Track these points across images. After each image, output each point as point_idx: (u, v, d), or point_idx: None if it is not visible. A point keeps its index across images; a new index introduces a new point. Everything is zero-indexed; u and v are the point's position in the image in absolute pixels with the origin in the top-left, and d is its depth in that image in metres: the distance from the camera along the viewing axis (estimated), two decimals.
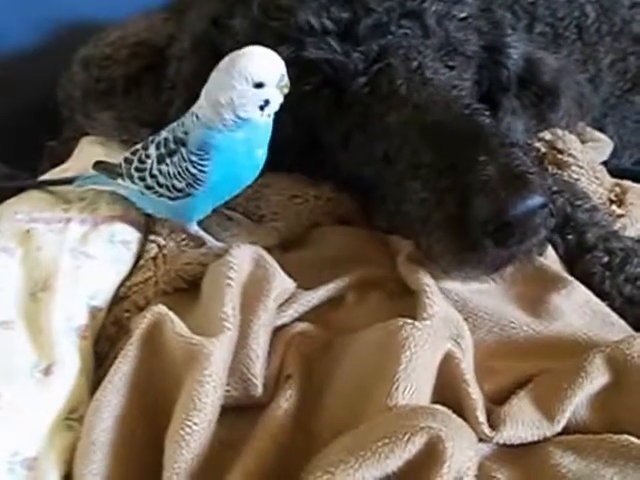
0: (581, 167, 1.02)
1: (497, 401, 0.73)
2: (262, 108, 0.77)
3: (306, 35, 0.87)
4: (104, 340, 0.80)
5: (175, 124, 0.81)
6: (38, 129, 1.11)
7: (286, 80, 0.77)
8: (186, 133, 0.79)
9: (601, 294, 0.87)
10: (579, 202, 0.94)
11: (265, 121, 0.78)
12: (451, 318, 0.76)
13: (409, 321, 0.71)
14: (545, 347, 0.78)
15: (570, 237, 0.91)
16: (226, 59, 0.77)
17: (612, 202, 1.02)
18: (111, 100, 1.05)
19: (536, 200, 0.75)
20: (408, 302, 0.78)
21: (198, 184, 0.79)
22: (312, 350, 0.76)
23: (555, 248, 0.90)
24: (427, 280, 0.78)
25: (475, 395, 0.70)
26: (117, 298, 0.83)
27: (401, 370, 0.68)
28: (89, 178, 0.89)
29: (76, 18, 1.31)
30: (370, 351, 0.72)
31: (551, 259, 0.88)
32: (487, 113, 0.84)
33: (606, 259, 0.90)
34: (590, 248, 0.91)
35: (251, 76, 0.75)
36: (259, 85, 0.76)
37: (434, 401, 0.70)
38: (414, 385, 0.68)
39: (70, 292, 0.78)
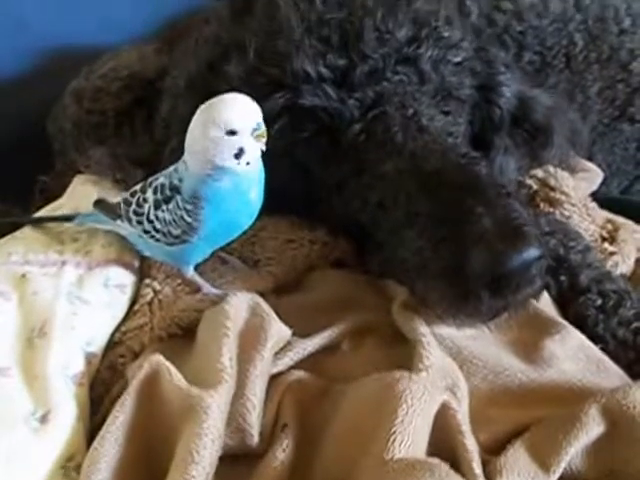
0: (573, 205, 1.03)
1: (493, 451, 0.74)
2: (237, 156, 0.76)
3: (302, 82, 0.87)
4: (99, 385, 0.81)
5: (172, 169, 0.82)
6: (28, 162, 1.11)
7: (262, 129, 0.77)
8: (180, 180, 0.80)
9: (594, 337, 0.88)
10: (572, 243, 0.95)
11: (245, 170, 0.77)
12: (447, 368, 0.77)
13: (406, 374, 0.72)
14: (540, 395, 0.79)
15: (563, 279, 0.93)
16: (202, 106, 0.77)
17: (604, 239, 1.03)
18: (103, 133, 1.06)
19: (532, 252, 0.76)
20: (404, 349, 0.80)
21: (194, 232, 0.80)
22: (308, 398, 0.77)
23: (548, 290, 0.91)
24: (423, 329, 0.79)
25: (471, 447, 0.71)
26: (112, 343, 0.84)
27: (398, 423, 0.69)
28: (89, 216, 0.89)
29: (65, 47, 1.31)
30: (367, 403, 0.73)
31: (544, 302, 0.89)
32: (483, 163, 0.85)
33: (599, 302, 0.91)
34: (583, 290, 0.92)
35: (223, 123, 0.75)
36: (232, 132, 0.75)
37: (430, 452, 0.71)
38: (411, 438, 0.69)
39: (66, 339, 0.79)
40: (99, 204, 0.89)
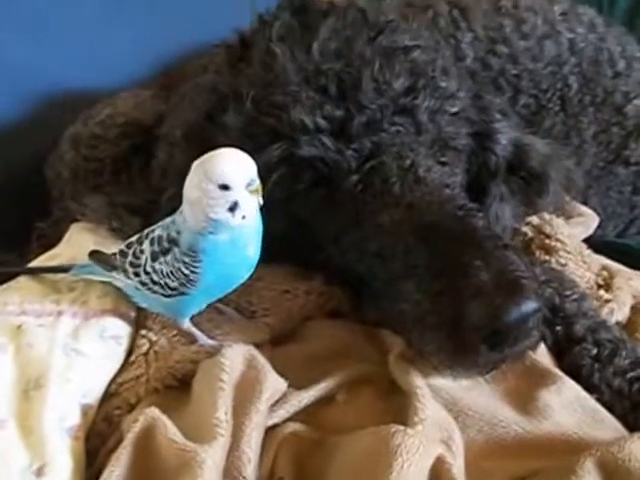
0: (569, 252, 1.04)
1: None
2: (232, 210, 0.77)
3: (299, 133, 0.88)
4: (94, 436, 0.81)
5: (169, 220, 0.83)
6: (26, 209, 1.12)
7: (257, 184, 0.78)
8: (178, 233, 0.81)
9: (590, 387, 0.88)
10: (567, 292, 0.96)
11: (242, 224, 0.78)
12: (442, 421, 0.78)
13: (401, 428, 0.73)
14: (536, 447, 0.79)
15: (558, 328, 0.93)
16: (197, 161, 0.78)
17: (600, 287, 1.04)
18: (100, 180, 1.07)
19: (530, 306, 0.77)
20: (399, 400, 0.80)
21: (191, 284, 0.81)
22: (304, 451, 0.78)
23: (544, 340, 0.91)
24: (418, 382, 0.80)
25: None
26: (108, 394, 0.84)
27: (393, 478, 0.70)
28: (85, 267, 0.90)
29: (64, 91, 1.33)
30: (362, 456, 0.73)
31: (540, 351, 0.90)
32: (480, 215, 0.86)
33: (595, 351, 0.91)
34: (579, 340, 0.93)
35: (216, 178, 0.76)
36: (225, 187, 0.76)
37: None
38: None
39: (62, 391, 0.80)
40: (94, 255, 0.89)
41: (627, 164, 1.38)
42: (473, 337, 0.78)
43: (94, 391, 0.83)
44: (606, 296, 1.02)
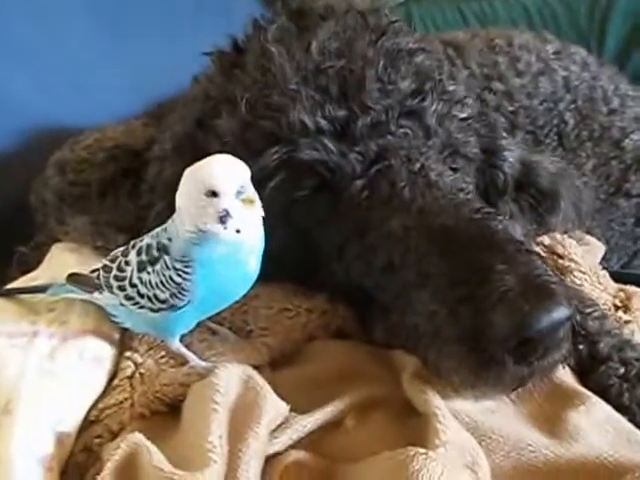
0: (584, 272, 0.92)
1: None
2: (222, 221, 0.66)
3: (299, 135, 0.77)
4: (72, 469, 0.68)
5: (159, 229, 0.71)
6: (10, 244, 1.00)
7: (250, 193, 0.67)
8: (170, 240, 0.69)
9: (619, 408, 0.76)
10: (588, 310, 0.84)
11: (236, 237, 0.67)
12: (465, 444, 0.65)
13: (422, 450, 0.60)
14: (569, 472, 0.67)
15: (582, 347, 0.81)
16: (188, 169, 0.68)
17: (617, 308, 0.92)
18: (86, 203, 0.95)
19: (561, 312, 0.65)
20: (415, 425, 0.68)
21: (183, 294, 0.69)
22: None
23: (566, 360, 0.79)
24: (437, 402, 0.67)
25: None
26: (87, 422, 0.71)
27: None
28: (63, 286, 0.78)
29: (51, 128, 1.22)
30: None
31: (563, 372, 0.77)
32: (499, 218, 0.74)
33: (622, 370, 0.79)
34: (604, 359, 0.80)
35: (203, 184, 0.65)
36: (213, 194, 0.65)
37: None
38: None
39: (34, 417, 0.67)
40: (73, 278, 0.77)
41: (628, 196, 1.30)
42: (498, 349, 0.66)
43: (72, 418, 0.69)
44: (625, 317, 0.90)
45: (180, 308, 0.70)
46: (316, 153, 0.76)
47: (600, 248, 1.09)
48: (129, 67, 1.37)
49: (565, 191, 0.97)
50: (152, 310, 0.71)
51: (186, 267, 0.68)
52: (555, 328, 0.66)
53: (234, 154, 0.71)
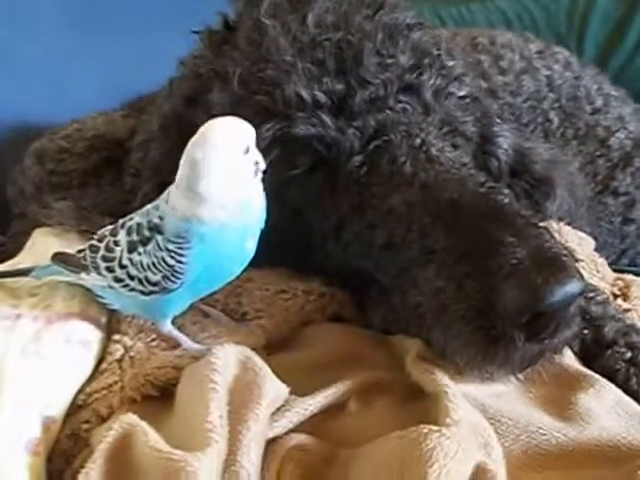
0: (581, 260, 0.89)
1: None
2: (256, 174, 0.65)
3: (295, 109, 0.73)
4: (59, 456, 0.64)
5: (150, 206, 0.67)
6: None
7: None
8: (161, 218, 0.65)
9: (626, 392, 0.72)
10: (591, 294, 0.81)
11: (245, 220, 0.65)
12: (478, 424, 0.61)
13: (435, 428, 0.56)
14: (583, 454, 0.63)
15: (586, 332, 0.78)
16: (198, 134, 0.64)
17: (616, 296, 0.89)
18: (67, 192, 0.90)
19: (575, 286, 0.63)
20: (422, 409, 0.64)
21: (176, 277, 0.65)
22: (312, 466, 0.61)
23: (570, 345, 0.75)
24: (445, 381, 0.64)
25: None
26: (75, 407, 0.67)
27: None
28: (47, 268, 0.73)
29: (28, 127, 1.18)
30: (388, 465, 0.57)
31: (568, 357, 0.74)
32: (505, 191, 0.71)
33: (629, 355, 0.76)
34: (610, 343, 0.77)
35: (239, 141, 0.63)
36: (247, 150, 0.64)
37: None
38: None
39: (19, 400, 0.62)
40: (58, 257, 0.73)
41: (616, 194, 1.27)
42: (509, 325, 0.62)
43: (58, 402, 0.65)
44: (625, 305, 0.87)
45: (172, 291, 0.66)
46: (312, 128, 0.73)
47: (591, 243, 1.07)
48: (101, 65, 1.34)
49: (560, 178, 0.94)
50: (143, 293, 0.67)
51: (180, 248, 0.64)
52: (568, 302, 0.63)
53: None
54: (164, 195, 0.67)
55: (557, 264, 0.63)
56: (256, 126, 0.72)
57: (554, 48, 1.42)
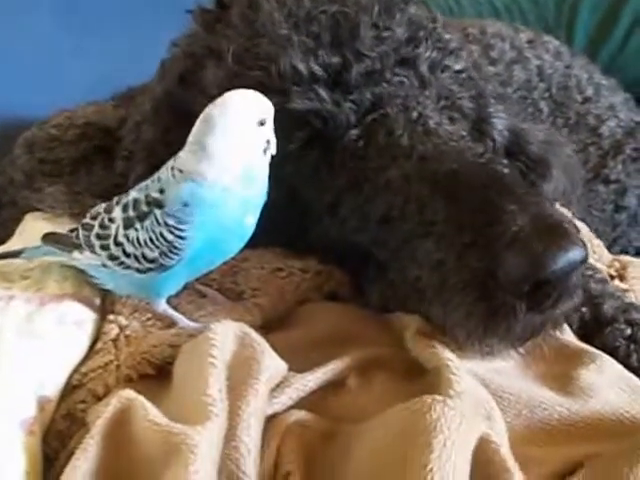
0: None
1: None
2: (265, 152, 0.64)
3: (291, 83, 0.73)
4: (54, 437, 0.63)
5: (148, 181, 0.66)
6: None
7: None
8: (162, 192, 0.64)
9: (627, 369, 0.72)
10: (590, 272, 0.80)
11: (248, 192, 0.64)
12: (480, 397, 0.60)
13: (439, 398, 0.55)
14: (586, 428, 0.63)
15: (585, 310, 0.77)
16: (218, 100, 0.64)
17: (612, 277, 0.88)
18: (58, 179, 0.89)
19: (577, 253, 0.62)
20: (424, 384, 0.63)
21: (174, 253, 0.64)
22: (313, 442, 0.60)
23: (569, 323, 0.75)
24: (447, 354, 0.63)
25: None
26: (70, 387, 0.65)
27: (434, 458, 0.52)
28: (38, 249, 0.72)
29: (11, 119, 1.18)
30: (391, 437, 0.55)
31: (567, 334, 0.73)
32: (505, 162, 0.70)
33: (629, 331, 0.76)
34: (609, 321, 0.77)
35: (255, 112, 0.63)
36: (261, 123, 0.63)
37: None
38: (451, 476, 0.52)
39: (13, 378, 0.61)
40: (49, 237, 0.72)
41: (607, 182, 1.27)
42: (510, 294, 0.62)
43: (53, 382, 0.64)
44: (622, 286, 0.86)
45: (169, 268, 0.65)
46: (308, 102, 0.72)
47: (584, 226, 1.07)
48: (92, 60, 1.34)
49: (555, 159, 0.94)
50: (139, 271, 0.66)
51: (180, 222, 0.63)
52: (571, 269, 0.62)
53: None
54: (169, 163, 0.66)
55: (559, 231, 0.62)
56: None
57: (544, 37, 1.42)
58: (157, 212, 0.64)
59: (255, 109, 0.63)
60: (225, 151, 0.63)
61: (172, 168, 0.64)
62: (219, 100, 0.63)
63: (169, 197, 0.63)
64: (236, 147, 0.63)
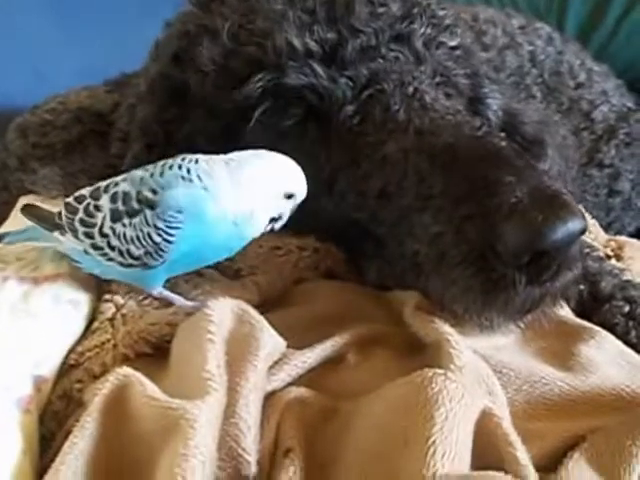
0: None
1: (544, 468, 0.56)
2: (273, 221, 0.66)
3: (286, 59, 0.72)
4: (50, 417, 0.62)
5: (139, 174, 0.64)
6: None
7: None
8: (155, 192, 0.62)
9: (626, 346, 0.71)
10: (587, 249, 0.80)
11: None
12: (481, 371, 0.59)
13: (440, 371, 0.55)
14: (587, 403, 0.62)
15: (582, 287, 0.76)
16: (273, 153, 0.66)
17: (609, 257, 0.88)
18: (51, 162, 0.88)
19: (577, 223, 0.61)
20: (422, 360, 0.62)
21: (159, 255, 0.63)
22: (312, 419, 0.59)
23: (567, 301, 0.74)
24: (447, 329, 0.62)
25: (524, 460, 0.53)
26: (66, 367, 0.64)
27: (436, 431, 0.52)
28: (23, 233, 0.70)
29: (7, 110, 1.15)
30: (392, 411, 0.55)
31: (565, 311, 0.73)
32: (503, 135, 0.70)
33: (627, 308, 0.76)
34: (607, 298, 0.76)
35: (285, 186, 0.65)
36: (289, 196, 0.66)
37: (474, 469, 0.53)
38: (453, 449, 0.52)
39: (9, 356, 0.60)
40: (29, 210, 0.70)
41: (601, 167, 1.27)
42: (509, 266, 0.61)
43: (49, 361, 0.63)
44: (619, 266, 0.86)
45: (152, 267, 0.64)
46: (304, 78, 0.71)
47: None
48: (81, 49, 1.36)
49: (550, 138, 0.93)
50: (122, 264, 0.64)
51: (169, 227, 0.61)
52: (570, 240, 0.61)
53: (216, 84, 0.66)
54: (165, 163, 0.64)
55: (558, 201, 0.61)
56: (247, 77, 0.71)
57: (536, 24, 1.41)
58: (148, 213, 0.62)
59: (294, 181, 0.65)
60: (248, 191, 0.63)
61: (174, 166, 0.63)
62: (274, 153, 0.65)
63: (164, 199, 0.62)
64: (258, 197, 0.64)
